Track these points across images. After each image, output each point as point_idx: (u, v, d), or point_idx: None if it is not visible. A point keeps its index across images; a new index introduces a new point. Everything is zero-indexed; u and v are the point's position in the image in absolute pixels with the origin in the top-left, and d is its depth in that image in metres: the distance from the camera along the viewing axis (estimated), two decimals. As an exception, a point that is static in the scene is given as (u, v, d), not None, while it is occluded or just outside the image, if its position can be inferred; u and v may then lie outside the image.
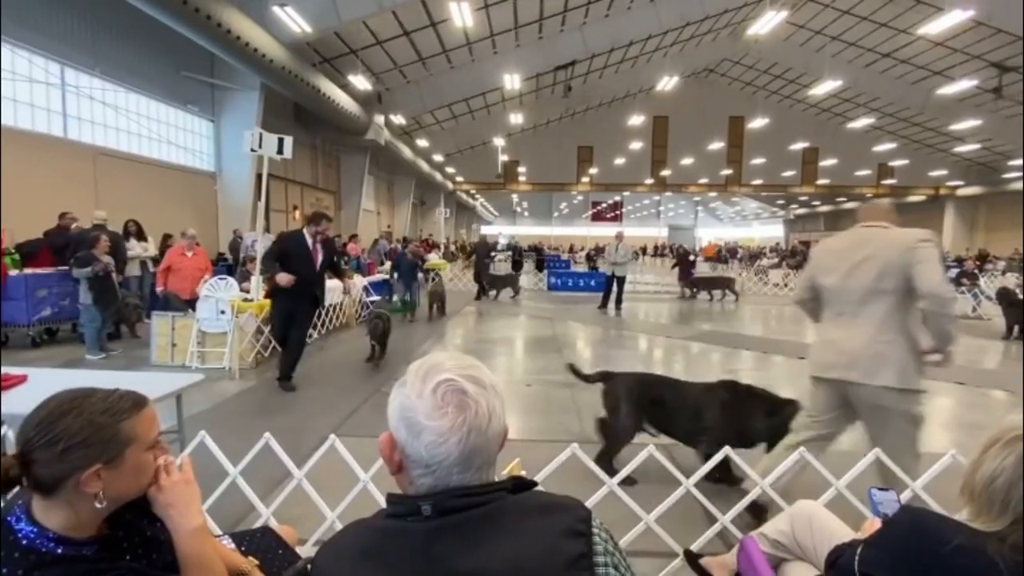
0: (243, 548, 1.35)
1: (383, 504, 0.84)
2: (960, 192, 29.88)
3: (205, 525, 1.11)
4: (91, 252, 5.99)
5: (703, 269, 20.80)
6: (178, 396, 2.72)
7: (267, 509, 2.25)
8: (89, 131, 9.98)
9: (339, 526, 0.88)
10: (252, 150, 6.05)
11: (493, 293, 13.18)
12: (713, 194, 43.77)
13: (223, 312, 5.80)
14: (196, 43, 9.86)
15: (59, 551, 0.92)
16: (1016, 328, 8.24)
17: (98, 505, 0.95)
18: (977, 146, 26.54)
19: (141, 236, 8.25)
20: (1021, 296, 8.41)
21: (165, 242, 10.37)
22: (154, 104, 11.53)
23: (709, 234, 53.93)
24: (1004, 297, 8.51)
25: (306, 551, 1.89)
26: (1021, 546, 0.90)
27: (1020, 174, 25.83)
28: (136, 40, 10.62)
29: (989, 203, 29.61)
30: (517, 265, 18.41)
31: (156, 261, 8.76)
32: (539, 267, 20.05)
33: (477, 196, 41.87)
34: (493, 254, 15.38)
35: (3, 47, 7.96)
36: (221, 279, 6.30)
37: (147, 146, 11.40)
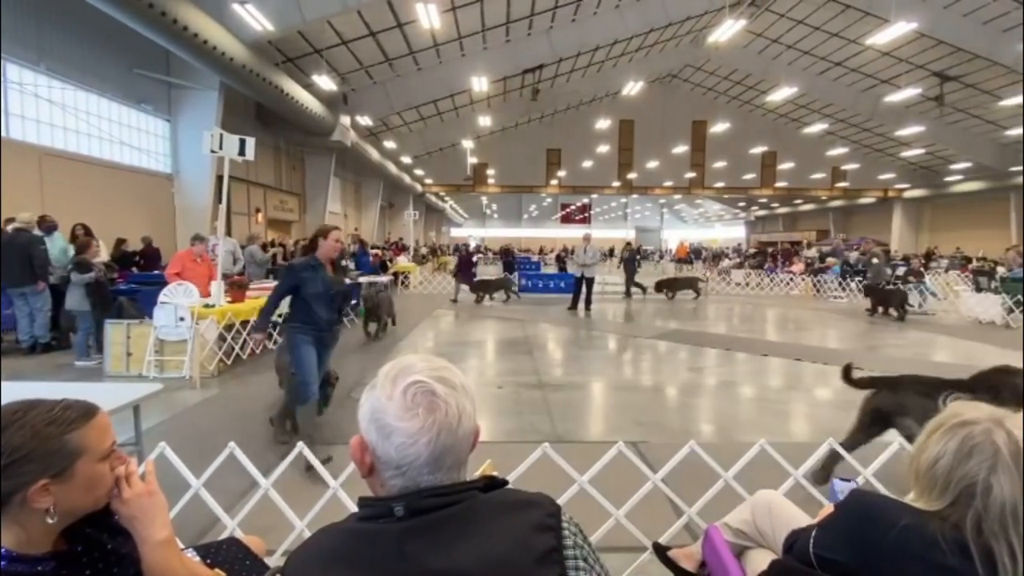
0: (208, 560, 1.32)
1: (354, 511, 0.83)
2: (906, 195, 31.49)
3: (172, 537, 1.08)
4: (86, 257, 6.08)
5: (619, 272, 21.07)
6: (135, 407, 2.62)
7: (232, 521, 2.19)
8: (34, 130, 9.47)
9: (308, 535, 0.88)
10: (212, 151, 5.87)
11: (373, 329, 7.93)
12: (678, 196, 44.84)
13: (182, 319, 5.59)
14: (150, 39, 9.49)
15: (12, 569, 0.88)
16: (880, 309, 11.31)
17: (49, 521, 0.91)
18: (921, 151, 28.06)
19: (92, 241, 7.85)
20: (881, 286, 12.02)
21: (119, 247, 9.95)
22: (104, 102, 11.02)
23: (675, 235, 55.13)
24: (868, 288, 12.05)
25: (274, 562, 1.85)
26: (960, 525, 0.97)
27: (960, 177, 27.45)
28: (84, 35, 10.14)
29: (933, 205, 31.33)
30: (509, 267, 18.20)
31: (109, 267, 8.39)
32: (509, 269, 20.08)
33: (446, 198, 41.65)
34: (346, 263, 7.14)
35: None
36: (180, 285, 6.08)
37: (97, 146, 10.89)
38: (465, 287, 13.40)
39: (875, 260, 13.66)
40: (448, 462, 0.79)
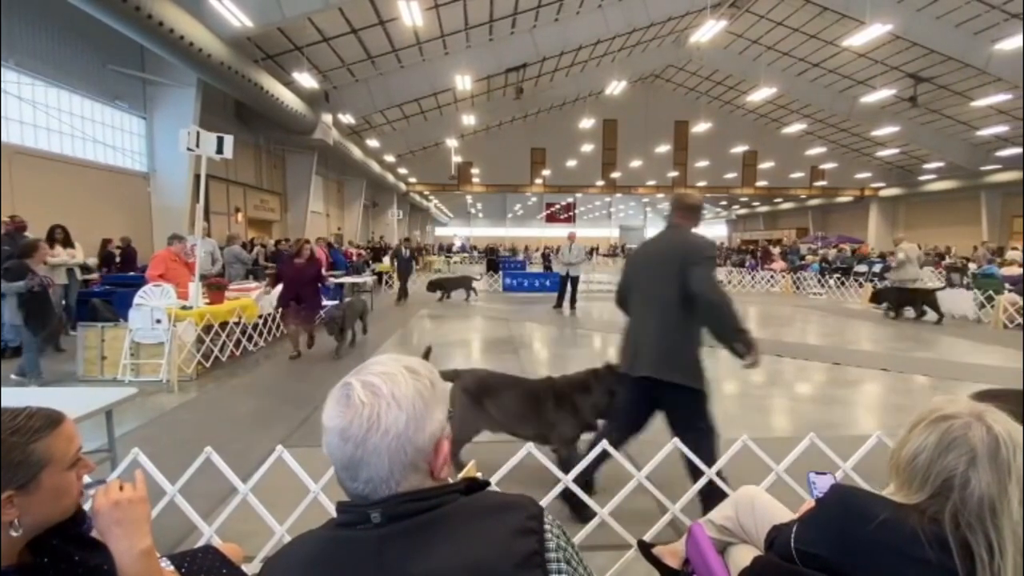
0: (183, 569, 1.28)
1: (333, 516, 0.81)
2: (882, 193, 32.23)
3: (152, 548, 1.05)
4: (24, 262, 5.03)
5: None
6: (108, 412, 2.54)
7: (210, 527, 2.14)
8: (3, 128, 9.16)
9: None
10: (189, 149, 5.75)
11: None
12: (661, 195, 45.21)
13: (159, 321, 5.46)
14: (124, 34, 9.25)
15: None
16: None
17: (13, 533, 0.88)
18: (896, 151, 28.73)
19: (68, 243, 7.66)
20: None
21: (104, 248, 9.74)
22: (77, 99, 10.71)
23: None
24: None
25: (253, 569, 1.80)
26: (938, 518, 0.98)
27: (933, 177, 28.18)
28: (55, 29, 9.84)
29: (907, 203, 32.10)
30: (493, 266, 17.72)
31: (85, 268, 8.18)
32: (494, 268, 20.07)
33: (431, 197, 41.42)
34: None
35: None
36: (156, 286, 5.94)
37: (70, 144, 10.58)
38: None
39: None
40: (364, 475, 0.74)
